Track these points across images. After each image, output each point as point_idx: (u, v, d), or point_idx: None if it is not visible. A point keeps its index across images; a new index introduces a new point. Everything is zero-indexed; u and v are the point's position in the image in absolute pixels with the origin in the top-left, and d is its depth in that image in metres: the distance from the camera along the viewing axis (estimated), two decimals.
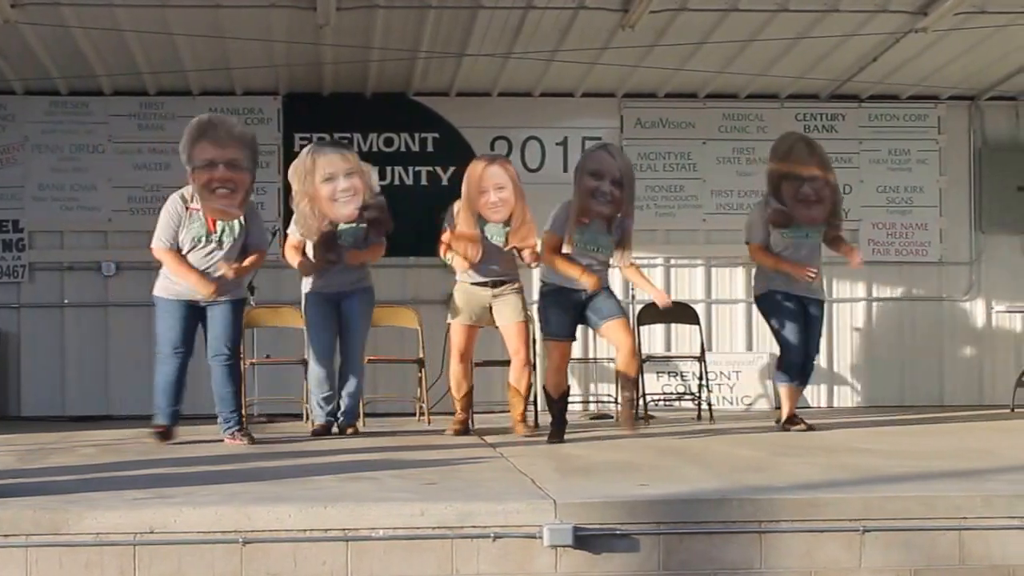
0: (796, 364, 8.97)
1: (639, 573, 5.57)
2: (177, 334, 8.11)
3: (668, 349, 10.92)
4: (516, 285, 8.69)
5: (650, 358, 9.93)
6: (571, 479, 6.47)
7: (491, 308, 8.64)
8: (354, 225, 8.51)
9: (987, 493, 5.89)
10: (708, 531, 5.62)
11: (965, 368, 11.44)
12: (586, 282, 8.10)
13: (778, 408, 9.37)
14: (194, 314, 8.14)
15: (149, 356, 10.54)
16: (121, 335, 10.67)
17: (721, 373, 10.90)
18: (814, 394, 11.23)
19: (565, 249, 8.26)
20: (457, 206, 8.57)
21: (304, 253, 8.60)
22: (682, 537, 5.60)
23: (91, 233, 10.67)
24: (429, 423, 9.46)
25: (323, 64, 10.01)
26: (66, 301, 10.64)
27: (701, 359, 9.61)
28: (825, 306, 9.37)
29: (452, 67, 10.22)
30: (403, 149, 10.86)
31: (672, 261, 11.23)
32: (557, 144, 10.94)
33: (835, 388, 11.35)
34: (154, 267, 10.53)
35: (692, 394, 10.02)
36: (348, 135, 10.55)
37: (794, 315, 8.92)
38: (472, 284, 8.60)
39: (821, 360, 11.14)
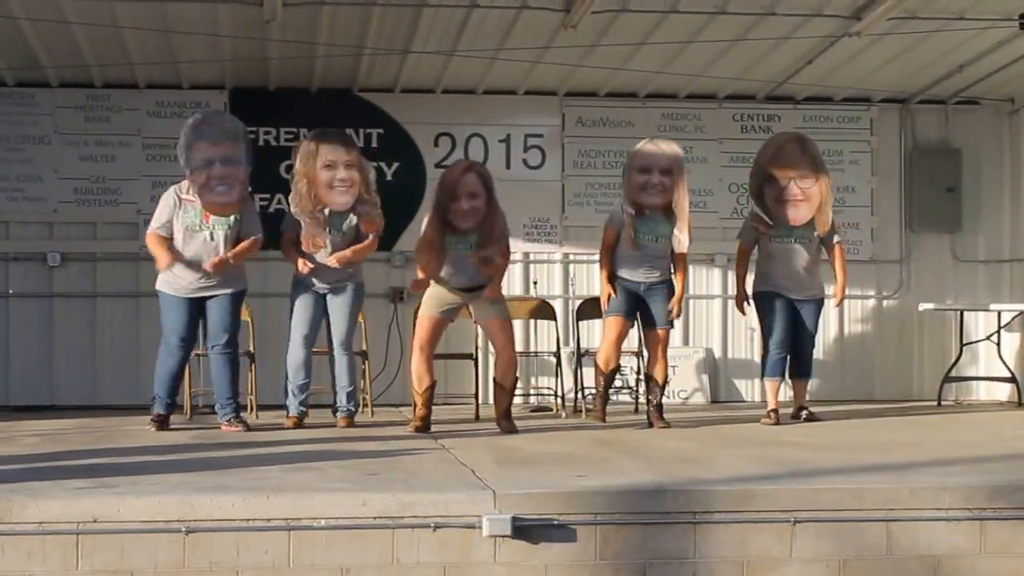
0: (771, 360, 9.30)
1: (576, 563, 5.66)
2: (183, 327, 8.37)
3: None
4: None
5: (588, 352, 10.05)
6: (510, 470, 6.56)
7: (468, 306, 8.65)
8: (345, 214, 8.72)
9: (914, 485, 6.03)
10: (644, 522, 5.72)
11: (894, 364, 11.60)
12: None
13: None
14: (195, 307, 8.39)
15: (93, 347, 10.64)
16: (66, 326, 10.61)
17: None
18: (747, 389, 11.42)
19: (624, 242, 8.70)
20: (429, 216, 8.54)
21: (298, 246, 8.69)
22: (619, 527, 5.70)
23: (36, 224, 10.60)
24: (372, 415, 9.54)
25: (269, 59, 10.01)
26: (11, 291, 10.58)
27: (639, 354, 9.69)
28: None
29: (397, 64, 10.25)
30: None
31: None
32: (500, 141, 10.99)
33: None
34: (99, 259, 10.68)
35: (630, 388, 10.13)
36: (293, 130, 10.56)
37: (775, 313, 9.25)
38: (447, 290, 8.51)
39: (753, 354, 11.38)
